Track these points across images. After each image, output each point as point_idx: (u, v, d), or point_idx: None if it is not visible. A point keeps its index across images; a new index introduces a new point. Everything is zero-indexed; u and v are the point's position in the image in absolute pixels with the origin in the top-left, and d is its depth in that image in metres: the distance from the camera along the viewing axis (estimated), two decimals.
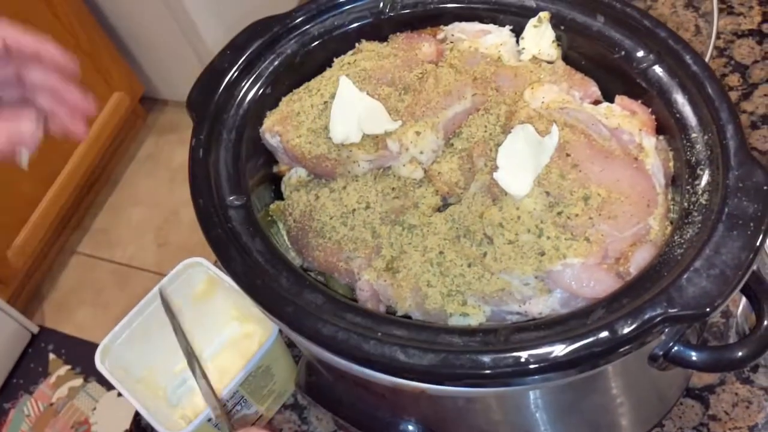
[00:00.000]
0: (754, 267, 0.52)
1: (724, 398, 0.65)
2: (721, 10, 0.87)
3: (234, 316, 0.79)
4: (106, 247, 2.02)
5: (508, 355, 0.45)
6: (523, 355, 0.45)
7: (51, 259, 1.99)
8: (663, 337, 0.49)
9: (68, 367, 1.84)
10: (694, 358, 0.50)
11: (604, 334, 0.45)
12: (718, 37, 0.85)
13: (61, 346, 1.86)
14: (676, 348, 0.50)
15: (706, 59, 0.73)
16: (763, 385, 0.65)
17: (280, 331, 0.69)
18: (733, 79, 0.82)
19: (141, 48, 2.04)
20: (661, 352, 0.50)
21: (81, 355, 1.84)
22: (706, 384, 0.66)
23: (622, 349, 0.45)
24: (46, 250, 1.95)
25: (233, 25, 0.65)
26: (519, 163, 0.51)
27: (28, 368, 1.84)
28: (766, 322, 0.50)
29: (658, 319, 0.45)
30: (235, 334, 0.79)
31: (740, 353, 0.49)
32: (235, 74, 0.61)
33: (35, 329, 1.87)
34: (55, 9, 1.78)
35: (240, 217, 0.55)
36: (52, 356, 1.86)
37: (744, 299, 0.66)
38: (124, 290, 1.94)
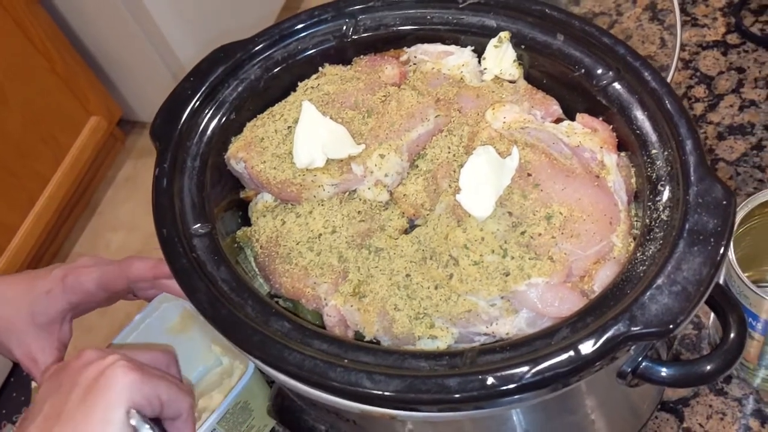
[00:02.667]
0: (719, 280, 0.52)
1: (699, 410, 0.65)
2: (685, 23, 0.88)
3: (212, 350, 0.78)
4: None
5: (474, 378, 0.45)
6: (489, 377, 0.45)
7: None
8: (631, 353, 0.49)
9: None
10: (663, 374, 0.50)
11: (569, 354, 0.45)
12: (683, 49, 0.86)
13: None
14: (644, 364, 0.50)
15: (672, 71, 0.74)
16: (736, 397, 0.65)
17: None
18: (699, 91, 0.83)
19: (117, 71, 2.03)
20: (629, 369, 0.50)
21: None
22: (680, 397, 0.66)
23: (587, 369, 0.45)
24: None
25: (208, 45, 0.65)
26: (481, 185, 0.51)
27: (11, 397, 1.81)
28: (732, 335, 0.50)
29: (622, 337, 0.45)
30: (213, 368, 0.78)
31: (709, 367, 0.49)
32: (199, 101, 0.61)
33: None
34: (30, 34, 1.78)
35: (204, 245, 0.54)
36: (34, 384, 1.83)
37: None
38: (105, 316, 1.91)
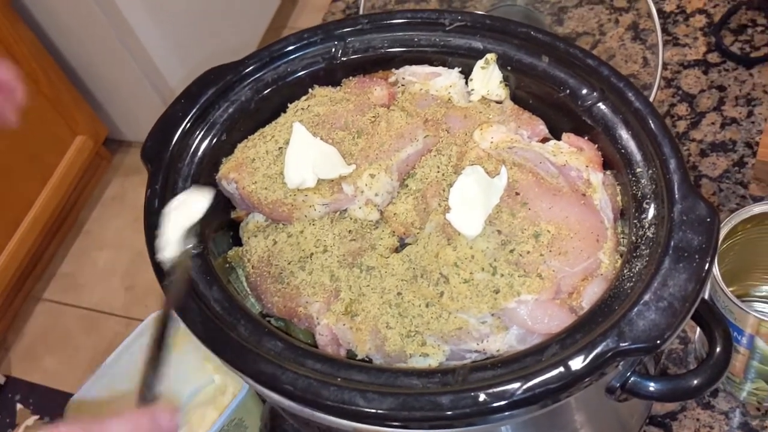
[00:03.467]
0: (705, 295, 0.53)
1: (686, 424, 0.66)
2: (667, 42, 0.89)
3: (206, 368, 0.78)
4: (72, 292, 1.99)
5: (466, 395, 0.46)
6: (482, 394, 0.45)
7: (16, 307, 1.96)
8: (620, 368, 0.50)
9: (36, 417, 1.80)
10: (651, 389, 0.51)
11: (559, 370, 0.46)
12: (665, 68, 0.87)
13: (28, 396, 1.82)
14: (632, 379, 0.51)
15: (654, 90, 0.76)
16: (723, 410, 0.66)
17: None
18: (681, 109, 0.84)
19: (103, 90, 2.03)
20: (618, 384, 0.51)
21: (50, 405, 1.80)
22: (668, 411, 0.67)
23: (577, 385, 0.46)
24: (10, 298, 1.91)
25: (195, 65, 0.66)
26: (470, 204, 0.52)
27: None
28: (718, 349, 0.51)
29: (611, 353, 0.45)
30: (208, 386, 0.78)
31: (696, 381, 0.50)
32: (190, 123, 0.62)
33: (1, 380, 1.83)
34: (15, 53, 1.77)
35: (196, 265, 0.55)
36: (19, 406, 1.81)
37: None
38: (91, 336, 1.91)
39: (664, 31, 0.90)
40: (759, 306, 0.69)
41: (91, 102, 2.04)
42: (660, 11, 0.92)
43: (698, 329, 0.70)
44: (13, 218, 1.85)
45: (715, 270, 0.58)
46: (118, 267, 2.00)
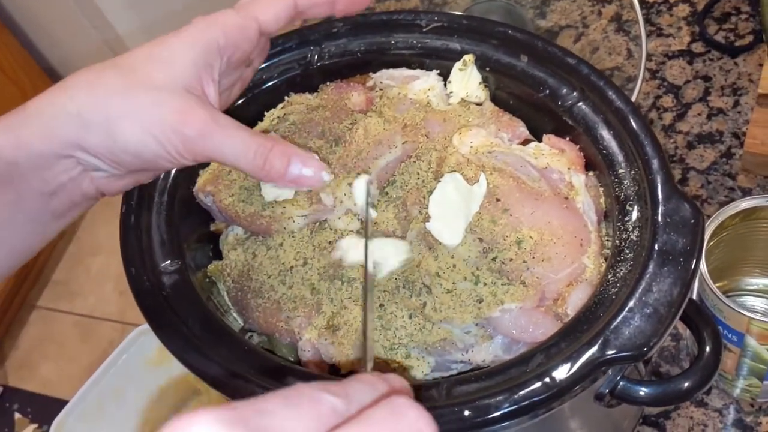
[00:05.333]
0: (692, 295, 0.52)
1: (680, 423, 0.65)
2: (650, 33, 0.88)
3: (194, 380, 0.77)
4: (66, 299, 1.98)
5: (450, 410, 0.45)
6: (466, 409, 0.45)
7: (10, 316, 1.95)
8: (609, 374, 0.49)
9: (35, 425, 1.79)
10: (641, 393, 0.50)
11: (545, 381, 0.45)
12: (649, 60, 0.86)
13: (26, 405, 1.81)
14: (622, 384, 0.50)
15: (639, 82, 0.74)
16: (717, 407, 0.66)
17: None
18: (667, 100, 0.83)
19: None
20: (606, 390, 0.50)
21: (48, 413, 1.79)
22: (662, 410, 0.66)
23: (563, 396, 0.45)
24: (5, 306, 1.90)
25: None
26: (450, 212, 0.51)
27: None
28: (707, 351, 0.50)
29: (597, 362, 0.45)
30: (193, 399, 0.77)
31: (686, 384, 0.49)
32: None
33: None
34: (2, 64, 1.76)
35: (174, 283, 0.54)
36: (18, 416, 1.81)
37: None
38: (87, 342, 1.90)
39: (648, 21, 0.89)
40: (749, 300, 0.68)
41: None
42: (643, 2, 0.90)
43: None
44: None
45: (703, 268, 0.58)
46: (112, 272, 1.99)
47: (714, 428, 0.65)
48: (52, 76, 1.92)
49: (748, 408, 0.65)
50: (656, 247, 0.47)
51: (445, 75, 0.61)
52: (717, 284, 0.57)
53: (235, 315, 0.58)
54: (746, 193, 0.75)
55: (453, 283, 0.50)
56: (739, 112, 0.80)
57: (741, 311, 0.56)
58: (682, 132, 0.80)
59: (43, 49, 1.88)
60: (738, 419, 0.65)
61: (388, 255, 0.52)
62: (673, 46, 0.86)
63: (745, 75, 0.82)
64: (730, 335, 0.59)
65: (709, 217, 0.60)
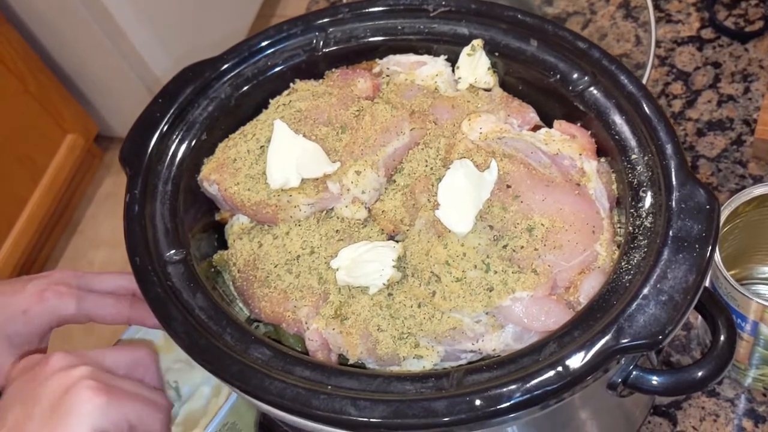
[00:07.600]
0: (706, 284, 0.51)
1: (692, 413, 0.65)
2: (659, 19, 0.87)
3: (197, 369, 0.76)
4: None
5: (461, 399, 0.44)
6: (477, 399, 0.44)
7: None
8: (621, 363, 0.48)
9: None
10: (654, 383, 0.49)
11: (558, 370, 0.44)
12: (658, 46, 0.85)
13: None
14: (635, 374, 0.49)
15: (648, 69, 0.73)
16: (728, 397, 0.65)
17: None
18: (677, 87, 0.82)
19: (92, 87, 2.01)
20: (619, 379, 0.49)
21: None
22: (673, 400, 0.65)
23: (576, 385, 0.44)
24: None
25: (182, 56, 0.63)
26: (460, 200, 0.50)
27: None
28: (722, 339, 0.49)
29: (611, 351, 0.44)
30: (200, 389, 0.77)
31: (700, 374, 0.48)
32: (168, 123, 0.59)
33: None
34: (2, 55, 1.75)
35: (179, 272, 0.53)
36: None
37: None
38: (92, 335, 1.89)
39: (656, 7, 0.88)
40: (761, 288, 0.67)
41: (79, 99, 2.01)
42: None
43: (700, 315, 0.68)
44: (5, 220, 1.83)
45: (716, 255, 0.57)
46: (114, 265, 1.98)
47: (726, 418, 0.64)
48: (50, 65, 1.91)
49: (760, 398, 0.65)
50: (671, 233, 0.46)
51: (453, 60, 0.60)
52: (729, 272, 0.57)
53: (240, 305, 0.57)
54: (757, 180, 0.74)
55: (463, 271, 0.49)
56: (749, 99, 0.79)
57: (756, 299, 0.55)
58: (692, 119, 0.79)
59: (43, 39, 1.87)
60: (750, 409, 0.64)
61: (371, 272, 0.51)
62: (682, 32, 0.85)
63: (755, 61, 0.81)
64: (743, 324, 0.58)
65: (720, 204, 0.59)
